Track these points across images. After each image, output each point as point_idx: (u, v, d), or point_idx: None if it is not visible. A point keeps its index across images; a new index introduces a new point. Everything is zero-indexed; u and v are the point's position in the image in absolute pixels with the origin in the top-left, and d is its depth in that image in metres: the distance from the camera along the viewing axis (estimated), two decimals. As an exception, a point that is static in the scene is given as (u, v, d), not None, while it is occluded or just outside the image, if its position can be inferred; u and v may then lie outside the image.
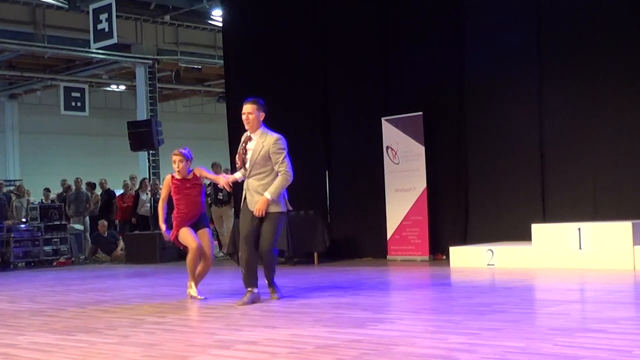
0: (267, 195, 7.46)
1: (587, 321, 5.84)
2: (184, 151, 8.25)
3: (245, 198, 7.68)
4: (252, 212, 7.53)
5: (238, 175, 7.90)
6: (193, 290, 8.33)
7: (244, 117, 7.62)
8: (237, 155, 7.73)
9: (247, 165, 7.63)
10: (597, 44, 11.16)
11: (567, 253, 10.15)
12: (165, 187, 8.38)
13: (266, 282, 7.85)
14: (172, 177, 8.32)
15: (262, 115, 7.67)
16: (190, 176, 8.26)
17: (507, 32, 12.09)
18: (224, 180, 7.99)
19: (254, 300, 7.52)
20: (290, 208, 7.89)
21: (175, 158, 8.21)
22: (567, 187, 11.45)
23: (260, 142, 7.57)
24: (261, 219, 7.53)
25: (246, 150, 7.64)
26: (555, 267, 10.11)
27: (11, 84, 29.29)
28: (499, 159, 12.17)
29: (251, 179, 7.62)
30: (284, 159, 7.52)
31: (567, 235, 10.18)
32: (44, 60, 25.48)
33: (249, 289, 7.59)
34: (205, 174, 8.40)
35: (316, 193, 14.37)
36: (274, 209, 7.54)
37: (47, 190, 20.40)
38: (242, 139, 7.77)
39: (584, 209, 11.08)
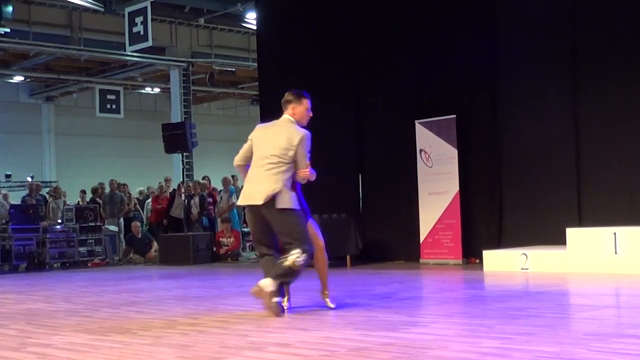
0: None
1: (623, 326, 5.78)
2: None
3: None
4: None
5: None
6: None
7: (311, 114, 7.28)
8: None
9: None
10: (633, 44, 11.04)
11: (602, 258, 10.05)
12: None
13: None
14: None
15: None
16: None
17: (541, 34, 12.02)
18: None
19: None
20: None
21: None
22: (603, 191, 11.33)
23: None
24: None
25: None
26: (590, 271, 10.01)
27: (48, 86, 29.65)
28: (533, 162, 12.08)
29: None
30: None
31: (603, 240, 10.08)
32: (79, 63, 25.79)
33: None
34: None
35: (349, 196, 14.37)
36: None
37: (83, 192, 20.61)
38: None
39: (620, 213, 10.95)
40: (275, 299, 6.81)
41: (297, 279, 7.02)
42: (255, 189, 7.00)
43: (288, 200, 6.91)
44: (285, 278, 6.90)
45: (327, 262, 7.47)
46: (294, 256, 6.77)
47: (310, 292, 8.88)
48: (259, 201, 6.91)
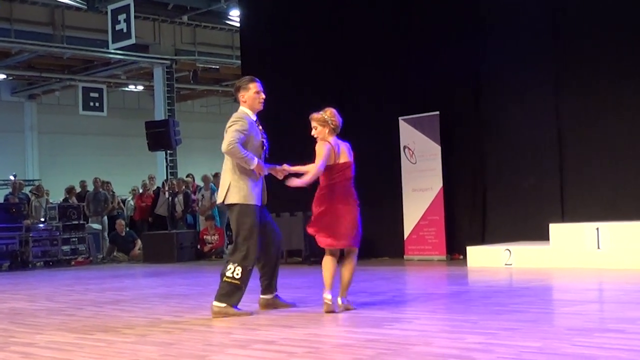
0: None
1: (606, 321, 5.81)
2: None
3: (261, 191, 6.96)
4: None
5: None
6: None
7: (263, 96, 7.13)
8: (261, 140, 6.99)
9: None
10: (615, 42, 11.10)
11: (585, 253, 10.09)
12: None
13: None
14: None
15: None
16: None
17: (526, 33, 12.05)
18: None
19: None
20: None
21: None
22: (586, 187, 11.38)
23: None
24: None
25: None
26: (573, 267, 10.06)
27: (30, 84, 29.50)
28: (517, 158, 12.13)
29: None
30: None
31: (585, 235, 10.13)
32: (62, 61, 25.65)
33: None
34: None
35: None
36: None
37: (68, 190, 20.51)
38: (252, 120, 6.99)
39: (603, 208, 10.99)
40: (234, 310, 6.73)
41: (247, 285, 6.81)
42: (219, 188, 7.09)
43: (235, 195, 6.79)
44: (232, 295, 6.72)
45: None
46: (229, 272, 6.71)
47: (297, 289, 8.90)
48: (219, 199, 6.99)
